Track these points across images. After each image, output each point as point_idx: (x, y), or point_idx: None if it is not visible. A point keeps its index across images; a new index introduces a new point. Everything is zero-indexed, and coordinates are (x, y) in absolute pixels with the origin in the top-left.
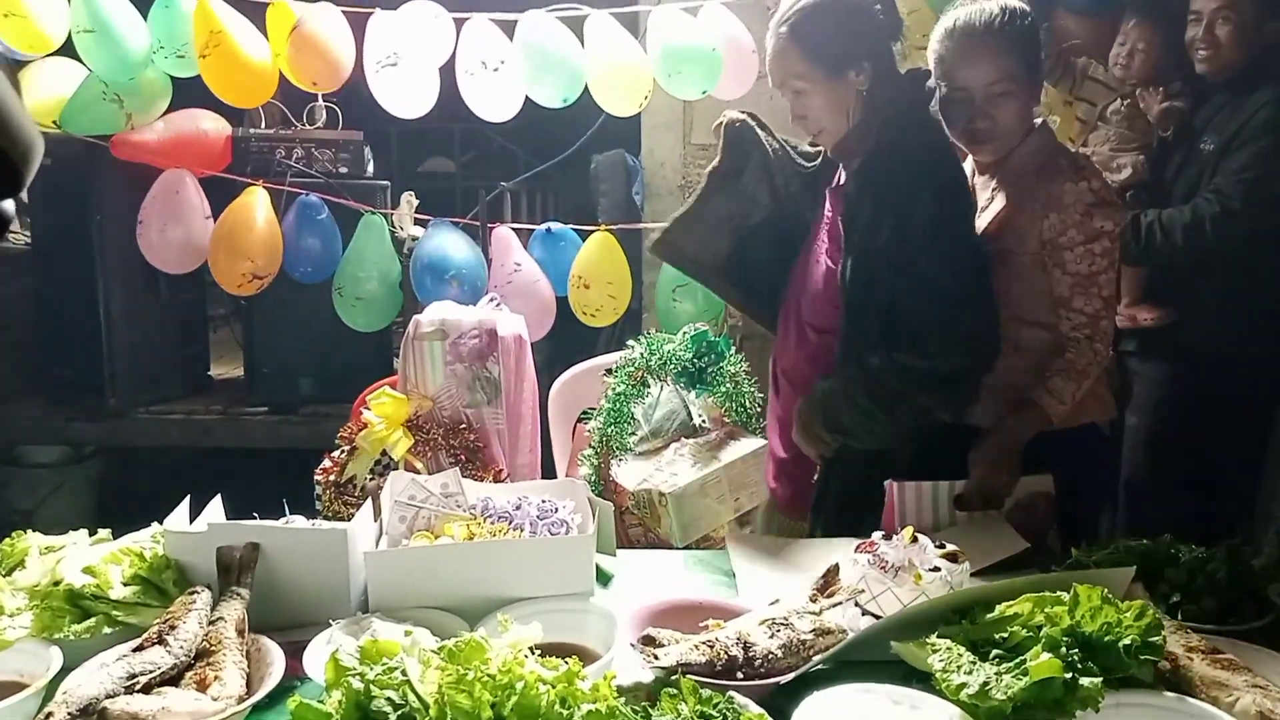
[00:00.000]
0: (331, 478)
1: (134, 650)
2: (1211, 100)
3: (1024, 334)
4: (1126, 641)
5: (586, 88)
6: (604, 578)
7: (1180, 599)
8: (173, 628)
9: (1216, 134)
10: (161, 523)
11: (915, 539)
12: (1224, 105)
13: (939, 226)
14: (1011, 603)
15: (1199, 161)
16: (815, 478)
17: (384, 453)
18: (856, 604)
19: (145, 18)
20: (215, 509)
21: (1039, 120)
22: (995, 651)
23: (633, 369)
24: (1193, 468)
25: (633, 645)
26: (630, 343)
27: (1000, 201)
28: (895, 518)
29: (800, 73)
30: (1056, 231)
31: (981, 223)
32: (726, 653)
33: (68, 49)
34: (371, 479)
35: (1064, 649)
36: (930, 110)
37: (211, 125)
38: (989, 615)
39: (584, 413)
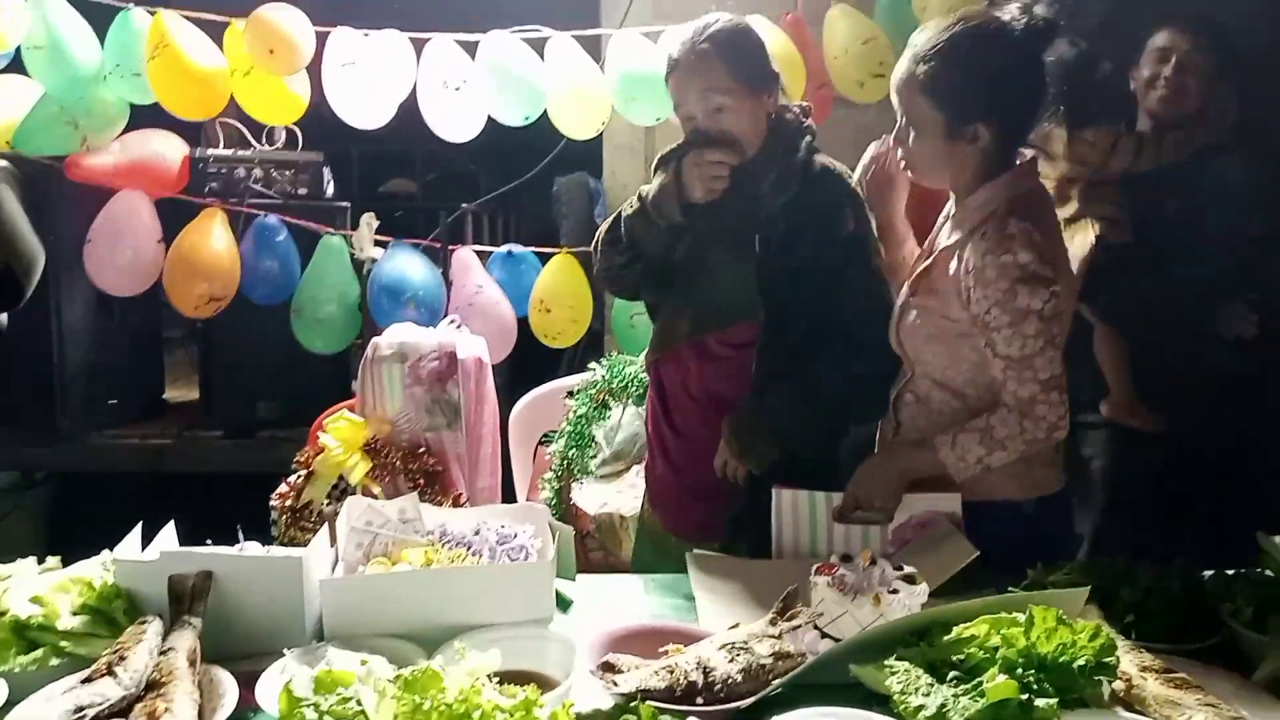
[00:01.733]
0: (288, 503)
1: (82, 682)
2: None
3: (934, 395)
4: (1081, 662)
5: (546, 112)
6: (564, 603)
7: (1134, 619)
8: (122, 659)
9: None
10: (112, 550)
11: (873, 561)
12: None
13: (861, 240)
14: (968, 624)
15: (1165, 222)
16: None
17: (341, 477)
18: (815, 627)
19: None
20: (168, 536)
21: (1018, 165)
22: (953, 673)
23: (594, 391)
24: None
25: (592, 672)
26: (592, 365)
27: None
28: (773, 523)
29: (725, 86)
30: (982, 309)
31: (914, 265)
32: (686, 678)
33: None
34: (329, 504)
35: (1020, 670)
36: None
37: (168, 146)
38: (946, 637)
39: (545, 435)
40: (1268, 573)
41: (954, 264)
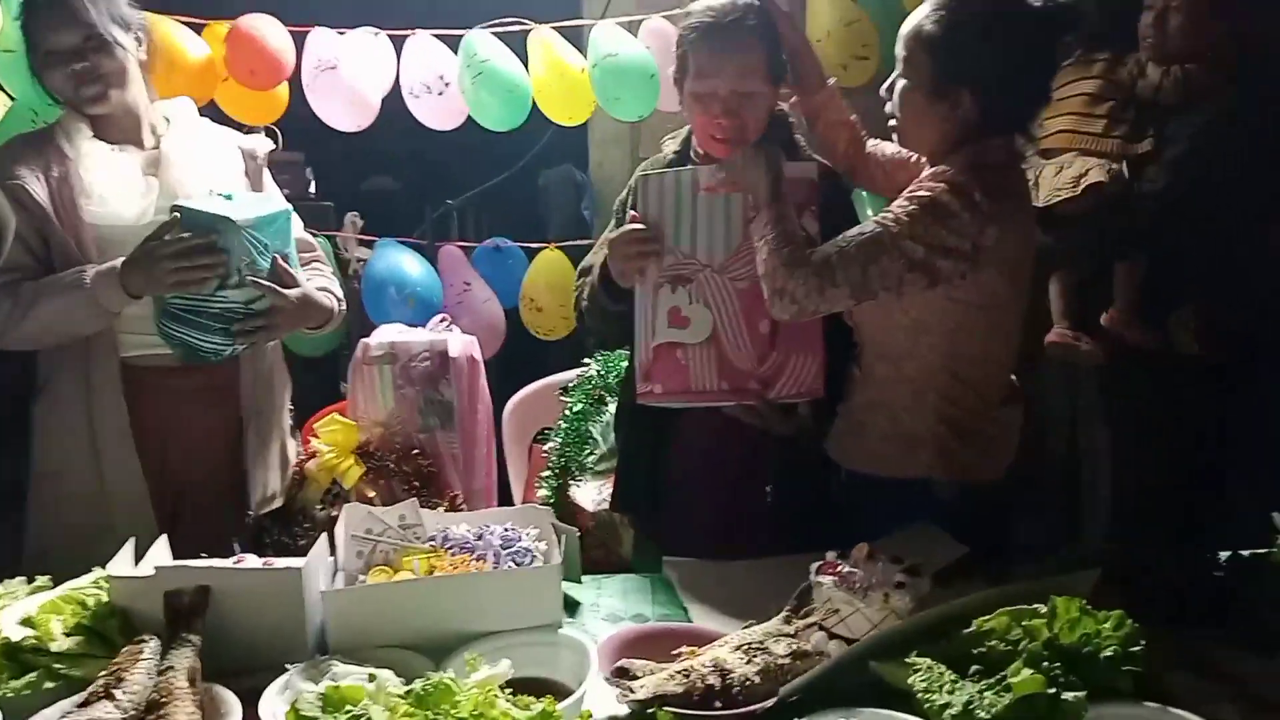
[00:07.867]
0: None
1: (79, 706)
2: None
3: (878, 367)
4: (1108, 653)
5: (534, 102)
6: (570, 605)
7: (1152, 604)
8: (120, 680)
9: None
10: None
11: (871, 556)
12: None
13: None
14: (987, 617)
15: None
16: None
17: (335, 481)
18: (821, 628)
19: None
20: (161, 550)
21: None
22: (975, 667)
23: (590, 387)
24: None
25: (607, 679)
26: (586, 360)
27: None
28: (640, 208)
29: (761, 73)
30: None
31: None
32: (703, 681)
33: None
34: (322, 509)
35: (1045, 663)
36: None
37: None
38: (966, 630)
39: (540, 433)
40: None
41: None
